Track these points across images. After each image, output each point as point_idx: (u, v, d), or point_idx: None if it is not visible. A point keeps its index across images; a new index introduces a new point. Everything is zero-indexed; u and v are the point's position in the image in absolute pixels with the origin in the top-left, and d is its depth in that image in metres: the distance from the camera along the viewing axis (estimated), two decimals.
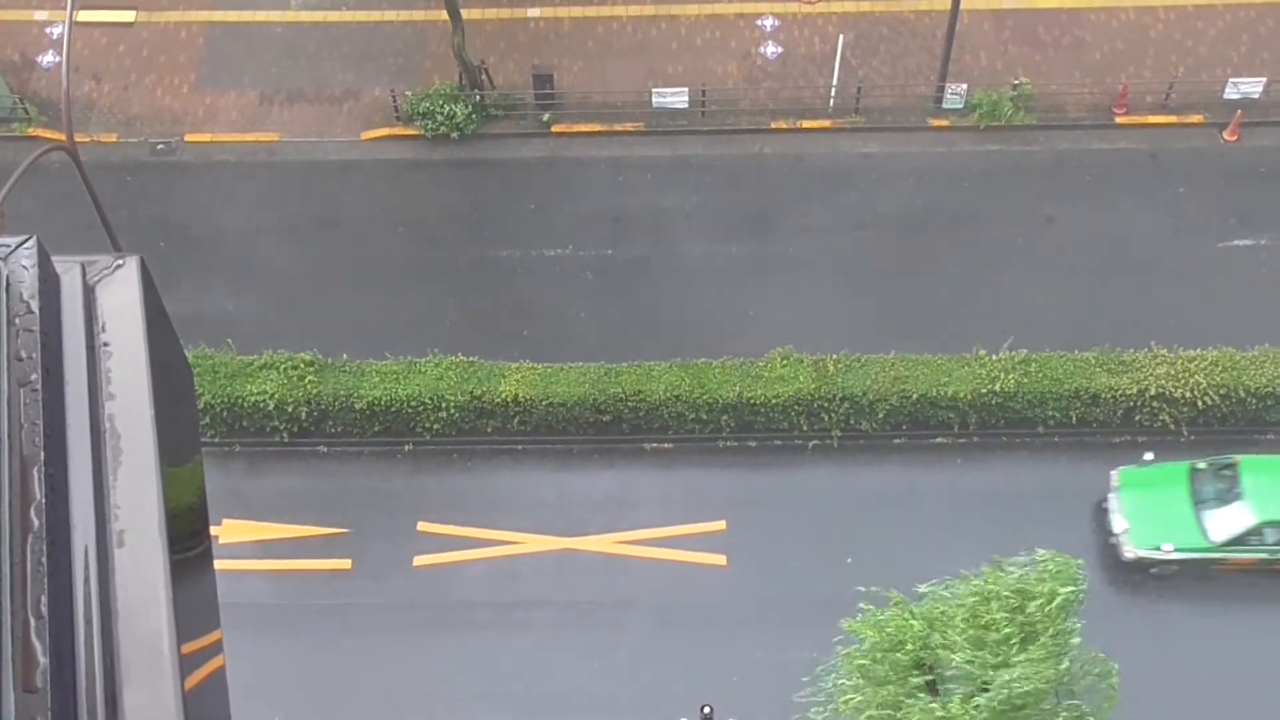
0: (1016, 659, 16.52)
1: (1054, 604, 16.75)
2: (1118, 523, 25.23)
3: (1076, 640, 17.25)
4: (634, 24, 33.58)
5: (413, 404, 26.50)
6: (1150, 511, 25.22)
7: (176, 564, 2.92)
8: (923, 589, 18.53)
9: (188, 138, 31.92)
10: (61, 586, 2.67)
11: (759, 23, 33.48)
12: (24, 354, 2.81)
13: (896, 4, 33.63)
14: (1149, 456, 25.74)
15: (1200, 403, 26.17)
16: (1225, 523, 24.73)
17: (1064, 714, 17.54)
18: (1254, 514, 24.60)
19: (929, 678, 17.66)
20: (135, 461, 2.91)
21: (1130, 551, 25.06)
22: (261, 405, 26.50)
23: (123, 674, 2.71)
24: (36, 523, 2.66)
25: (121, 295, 3.09)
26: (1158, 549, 24.91)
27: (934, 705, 16.98)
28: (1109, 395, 26.22)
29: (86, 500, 2.81)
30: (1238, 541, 24.70)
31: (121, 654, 2.72)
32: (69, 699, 2.61)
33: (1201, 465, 25.50)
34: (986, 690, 16.66)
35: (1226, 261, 29.42)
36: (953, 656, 16.95)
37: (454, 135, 31.33)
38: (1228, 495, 24.92)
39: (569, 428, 26.92)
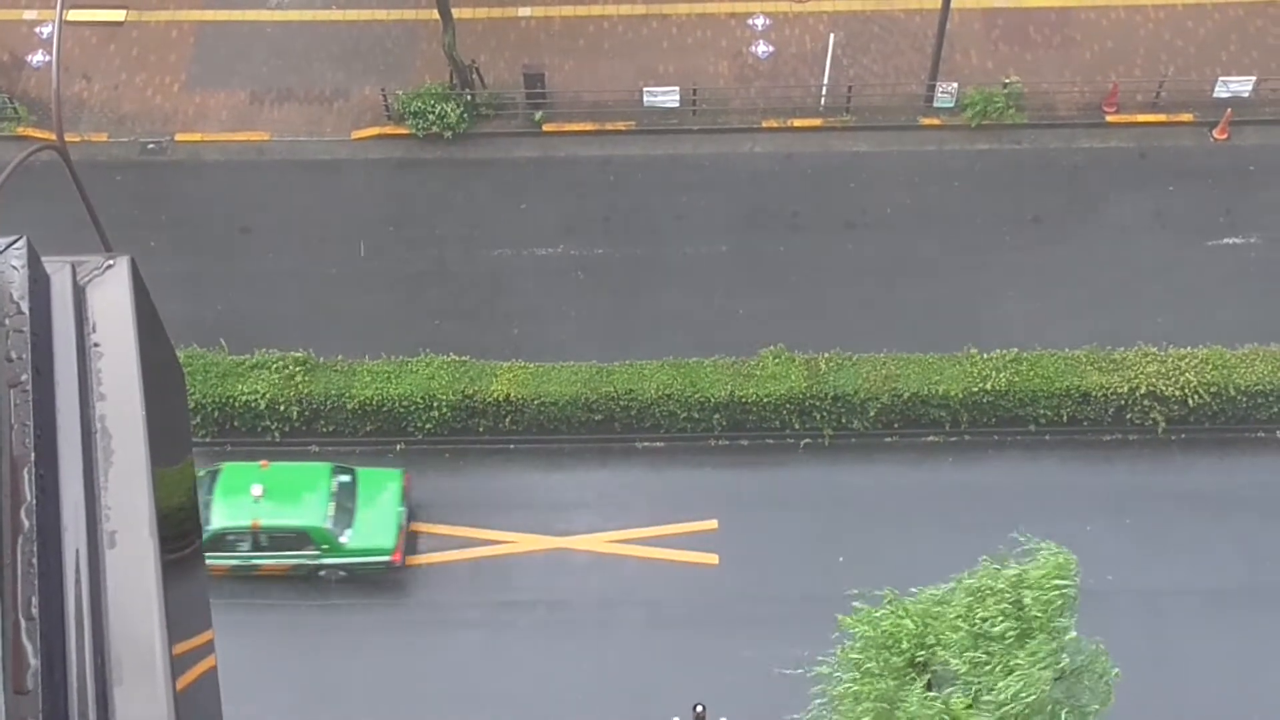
0: (1015, 659, 16.49)
1: (1050, 596, 16.71)
2: None
3: (1071, 635, 17.23)
4: (625, 23, 33.57)
5: (404, 403, 26.47)
6: None
7: (168, 564, 2.91)
8: (916, 591, 18.50)
9: (178, 137, 31.87)
10: (52, 588, 2.67)
11: (750, 22, 33.48)
12: (14, 354, 2.81)
13: (887, 3, 33.66)
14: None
15: (1191, 401, 26.22)
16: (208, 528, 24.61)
17: (1065, 713, 17.51)
18: (216, 519, 24.45)
19: (925, 677, 17.62)
20: (126, 462, 2.91)
21: None
22: (253, 405, 26.46)
23: (114, 675, 2.70)
24: (27, 524, 2.66)
25: (112, 295, 3.09)
26: None
27: (934, 697, 16.93)
28: (1100, 393, 26.27)
29: (77, 501, 2.81)
30: (216, 548, 24.21)
31: (113, 655, 2.71)
32: (60, 700, 2.60)
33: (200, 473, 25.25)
34: (985, 693, 16.60)
35: (1216, 260, 29.49)
36: (949, 659, 16.91)
37: (445, 134, 31.30)
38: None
39: (561, 427, 26.91)
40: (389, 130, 31.80)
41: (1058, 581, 16.71)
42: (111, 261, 3.15)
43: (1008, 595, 16.80)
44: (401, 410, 26.56)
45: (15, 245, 2.93)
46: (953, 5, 30.13)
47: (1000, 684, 16.44)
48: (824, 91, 31.86)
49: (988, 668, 16.68)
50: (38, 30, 33.52)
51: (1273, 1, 33.36)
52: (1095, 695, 17.70)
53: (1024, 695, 16.35)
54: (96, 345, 3.01)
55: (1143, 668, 23.29)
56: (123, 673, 2.70)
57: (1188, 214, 30.20)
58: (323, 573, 25.21)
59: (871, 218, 30.27)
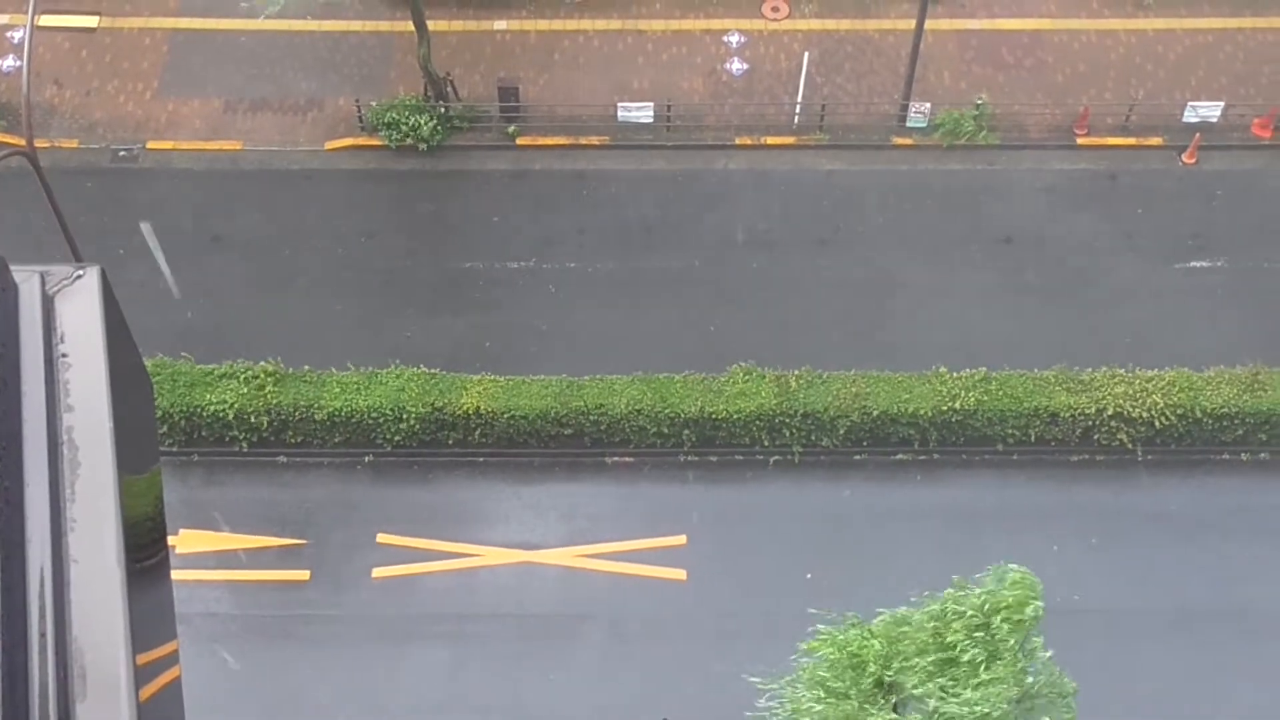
0: (981, 679, 16.45)
1: (1021, 616, 16.70)
2: None
3: (1044, 654, 17.24)
4: (600, 38, 33.63)
5: (374, 415, 26.38)
6: None
7: (133, 575, 2.89)
8: (882, 612, 18.49)
9: (150, 145, 31.70)
10: (15, 601, 2.65)
11: (725, 39, 33.59)
12: None
13: (862, 23, 33.85)
14: None
15: (1157, 422, 26.39)
16: None
17: None
18: None
19: (892, 699, 17.59)
20: (93, 474, 2.88)
21: None
22: (221, 415, 26.31)
23: (76, 690, 2.68)
24: None
25: (81, 306, 3.07)
26: None
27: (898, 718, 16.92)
28: (1068, 414, 26.41)
29: (43, 513, 2.78)
30: None
31: (75, 670, 2.69)
32: (22, 714, 2.58)
33: None
34: (946, 713, 16.58)
35: (1184, 283, 29.72)
36: (914, 686, 16.86)
37: (419, 146, 31.26)
38: None
39: (530, 440, 26.86)
40: (362, 141, 31.75)
41: (1036, 603, 16.72)
42: (81, 271, 3.13)
43: (975, 619, 16.77)
44: (371, 422, 26.47)
45: None
46: (927, 26, 30.33)
47: (963, 696, 16.42)
48: (798, 109, 31.99)
49: (954, 689, 16.66)
50: (9, 35, 33.32)
51: (1241, 28, 33.72)
52: (1056, 715, 17.72)
53: (981, 709, 16.32)
54: (65, 356, 2.99)
55: (1108, 687, 23.41)
56: (85, 688, 2.68)
57: (1156, 237, 30.44)
58: None
59: (844, 236, 30.38)
